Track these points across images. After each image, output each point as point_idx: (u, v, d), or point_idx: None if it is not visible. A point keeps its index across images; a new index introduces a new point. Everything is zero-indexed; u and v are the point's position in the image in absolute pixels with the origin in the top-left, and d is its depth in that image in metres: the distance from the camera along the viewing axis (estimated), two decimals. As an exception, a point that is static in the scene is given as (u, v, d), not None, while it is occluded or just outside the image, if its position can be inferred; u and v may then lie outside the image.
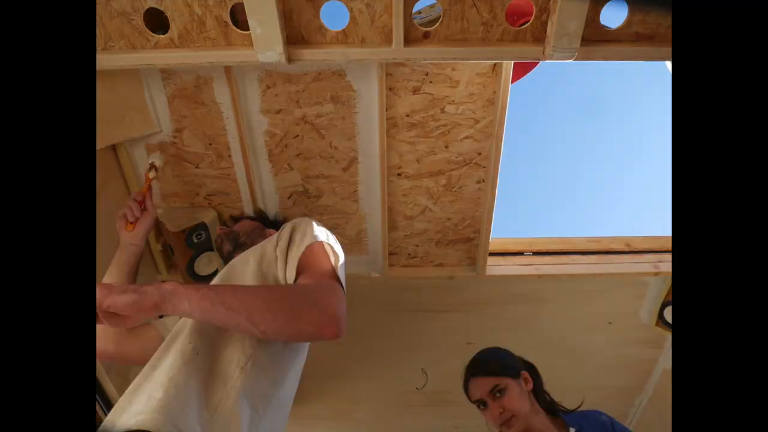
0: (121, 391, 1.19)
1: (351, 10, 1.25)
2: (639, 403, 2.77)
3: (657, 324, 2.21)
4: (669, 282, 2.14)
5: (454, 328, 2.33)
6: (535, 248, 2.20)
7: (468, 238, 2.01)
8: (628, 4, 1.24)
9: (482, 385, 1.63)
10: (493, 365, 1.66)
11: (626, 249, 2.18)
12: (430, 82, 1.62)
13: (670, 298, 2.14)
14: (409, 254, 2.07)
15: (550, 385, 2.65)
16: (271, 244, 1.15)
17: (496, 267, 2.10)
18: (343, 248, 1.98)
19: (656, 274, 2.07)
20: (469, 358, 2.48)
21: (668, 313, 2.17)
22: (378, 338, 2.35)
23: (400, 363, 2.48)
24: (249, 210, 1.88)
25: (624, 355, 2.50)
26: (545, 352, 2.45)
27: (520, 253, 2.18)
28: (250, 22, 1.22)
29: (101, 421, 0.84)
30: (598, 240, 2.25)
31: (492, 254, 2.09)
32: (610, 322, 2.32)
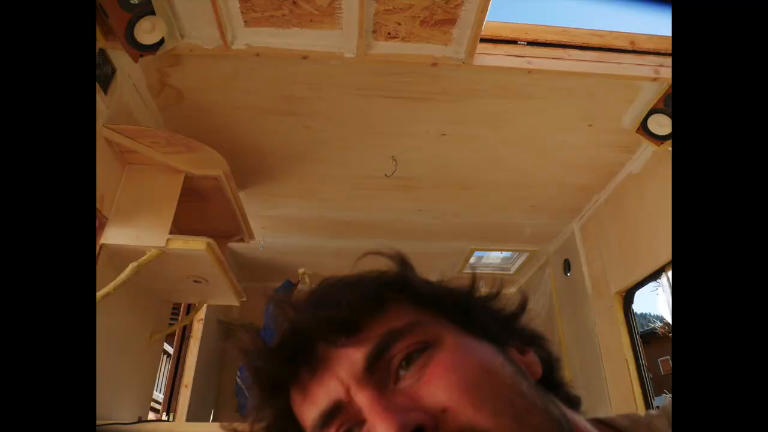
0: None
1: None
2: (596, 200, 2.90)
3: (637, 131, 2.14)
4: (662, 89, 1.99)
5: (430, 118, 2.21)
6: (531, 37, 1.95)
7: (458, 19, 1.73)
8: None
9: None
10: None
11: (629, 47, 1.96)
12: None
13: (659, 105, 2.02)
14: (389, 33, 1.80)
15: (516, 179, 2.71)
16: None
17: (485, 56, 1.88)
18: (312, 21, 1.73)
19: (655, 79, 1.91)
20: (443, 149, 2.43)
21: (651, 122, 2.08)
22: (349, 123, 2.23)
23: (371, 149, 2.42)
24: None
25: (595, 156, 2.49)
26: (517, 147, 2.42)
27: (514, 42, 1.94)
28: None
29: None
30: (600, 34, 2.00)
31: (483, 40, 1.84)
32: (590, 125, 2.24)
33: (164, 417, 3.29)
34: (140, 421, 1.36)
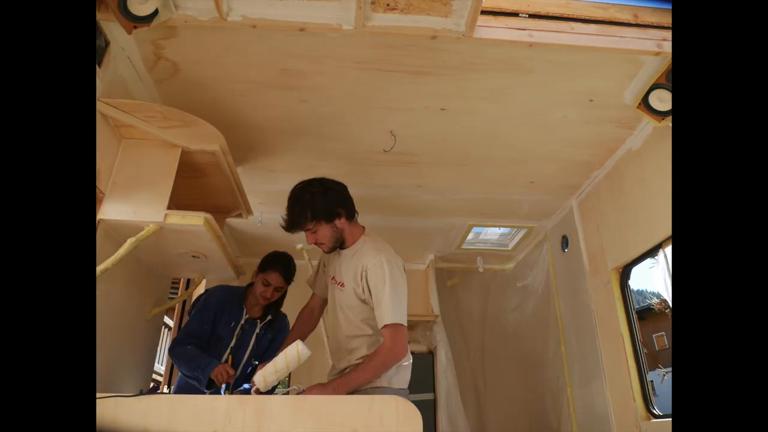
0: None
1: None
2: (595, 177, 2.89)
3: (638, 107, 2.12)
4: (665, 64, 1.97)
5: (430, 92, 2.19)
6: (533, 9, 1.92)
7: (459, -10, 1.69)
8: None
9: None
10: None
11: (632, 21, 1.92)
12: None
13: (661, 80, 2.00)
14: (388, 5, 1.76)
15: (515, 155, 2.70)
16: (358, 287, 1.87)
17: (485, 29, 1.84)
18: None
19: (657, 53, 1.88)
20: (442, 124, 2.41)
21: (653, 97, 2.06)
22: (347, 97, 2.20)
23: (369, 124, 2.40)
24: None
25: (595, 132, 2.47)
26: (517, 122, 2.40)
27: (515, 14, 1.90)
28: None
29: None
30: (603, 6, 1.97)
31: (484, 12, 1.81)
32: (591, 100, 2.21)
33: (165, 389, 3.34)
34: (141, 393, 1.37)
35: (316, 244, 1.92)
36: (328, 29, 1.76)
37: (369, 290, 1.84)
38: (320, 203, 1.85)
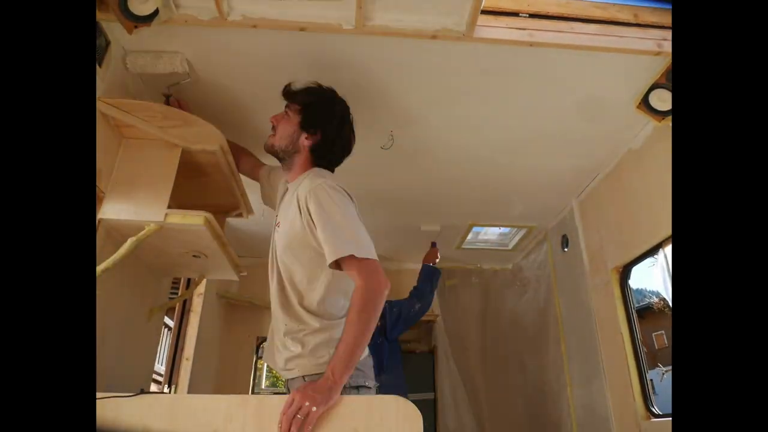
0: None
1: None
2: (595, 177, 2.90)
3: (638, 106, 2.12)
4: (665, 63, 1.97)
5: (430, 92, 2.19)
6: (533, 9, 1.92)
7: (459, -10, 1.69)
8: None
9: None
10: None
11: (633, 21, 1.93)
12: None
13: (662, 80, 2.00)
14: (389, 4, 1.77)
15: (515, 155, 2.70)
16: (298, 219, 1.59)
17: (485, 29, 1.85)
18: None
19: (657, 53, 1.88)
20: (442, 124, 2.41)
21: (653, 97, 2.06)
22: (347, 97, 2.17)
23: (370, 124, 2.39)
24: None
25: (595, 132, 2.48)
26: (517, 122, 2.40)
27: (516, 14, 1.90)
28: None
29: None
30: (603, 6, 1.97)
31: (484, 12, 1.81)
32: (591, 100, 2.21)
33: (166, 389, 3.34)
34: (142, 392, 1.38)
35: (272, 129, 1.79)
36: (329, 29, 1.76)
37: (313, 223, 1.52)
38: (319, 107, 1.74)
